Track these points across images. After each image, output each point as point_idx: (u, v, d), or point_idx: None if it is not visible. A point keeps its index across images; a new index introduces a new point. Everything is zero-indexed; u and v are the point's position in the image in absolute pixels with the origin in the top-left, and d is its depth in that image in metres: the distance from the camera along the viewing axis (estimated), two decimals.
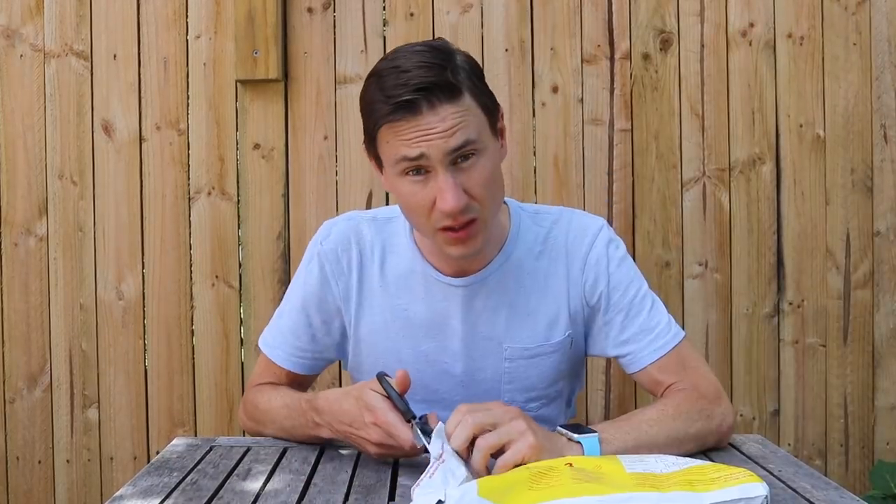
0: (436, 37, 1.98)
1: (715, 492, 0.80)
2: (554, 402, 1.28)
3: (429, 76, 1.03)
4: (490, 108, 1.11)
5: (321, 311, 1.26)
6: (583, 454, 0.96)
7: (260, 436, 1.25)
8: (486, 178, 1.09)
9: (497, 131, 1.14)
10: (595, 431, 0.99)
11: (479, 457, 0.91)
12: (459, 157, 1.06)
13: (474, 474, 0.91)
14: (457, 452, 0.93)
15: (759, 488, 0.80)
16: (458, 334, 1.22)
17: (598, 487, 0.81)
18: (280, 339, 1.28)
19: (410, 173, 1.08)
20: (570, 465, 0.89)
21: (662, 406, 1.10)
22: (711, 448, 1.12)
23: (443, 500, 0.84)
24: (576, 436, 0.98)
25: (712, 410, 1.11)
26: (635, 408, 2.01)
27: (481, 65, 1.96)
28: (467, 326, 1.22)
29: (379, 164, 1.14)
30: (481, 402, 0.99)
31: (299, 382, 1.31)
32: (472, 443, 0.93)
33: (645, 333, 1.20)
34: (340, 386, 2.00)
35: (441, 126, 1.04)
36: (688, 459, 0.91)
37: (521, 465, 0.91)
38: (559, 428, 1.01)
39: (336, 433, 1.10)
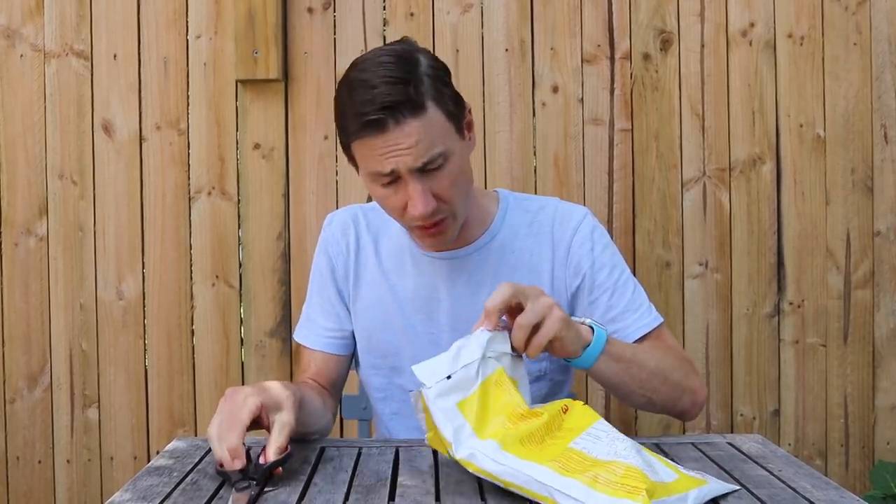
0: (435, 37, 1.99)
1: (601, 495, 0.82)
2: (538, 382, 1.30)
3: (393, 94, 1.09)
4: (454, 112, 1.17)
5: (335, 290, 1.35)
6: (591, 338, 1.06)
7: None
8: (454, 181, 1.16)
9: (463, 128, 1.20)
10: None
11: (519, 334, 0.99)
12: (427, 167, 1.13)
13: (513, 349, 1.00)
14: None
15: None
16: (445, 307, 1.29)
17: (532, 453, 0.89)
18: (310, 325, 1.36)
19: (381, 183, 1.16)
20: (566, 408, 0.97)
21: (655, 347, 1.22)
22: (683, 411, 1.20)
23: (450, 376, 0.93)
24: (589, 320, 1.08)
25: (690, 372, 1.22)
26: (636, 409, 2.01)
27: (481, 65, 1.99)
28: (453, 299, 1.29)
29: (354, 164, 1.21)
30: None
31: (335, 367, 1.35)
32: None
33: (630, 312, 1.27)
34: None
35: (407, 141, 1.10)
36: (641, 458, 0.88)
37: (554, 339, 1.00)
38: (574, 317, 1.09)
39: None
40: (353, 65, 1.16)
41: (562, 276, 1.29)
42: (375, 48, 1.19)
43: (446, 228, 1.20)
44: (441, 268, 1.30)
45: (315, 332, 1.35)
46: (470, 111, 1.22)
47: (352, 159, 1.20)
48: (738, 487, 0.94)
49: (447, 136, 1.14)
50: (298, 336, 1.37)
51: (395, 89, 1.09)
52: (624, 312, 1.27)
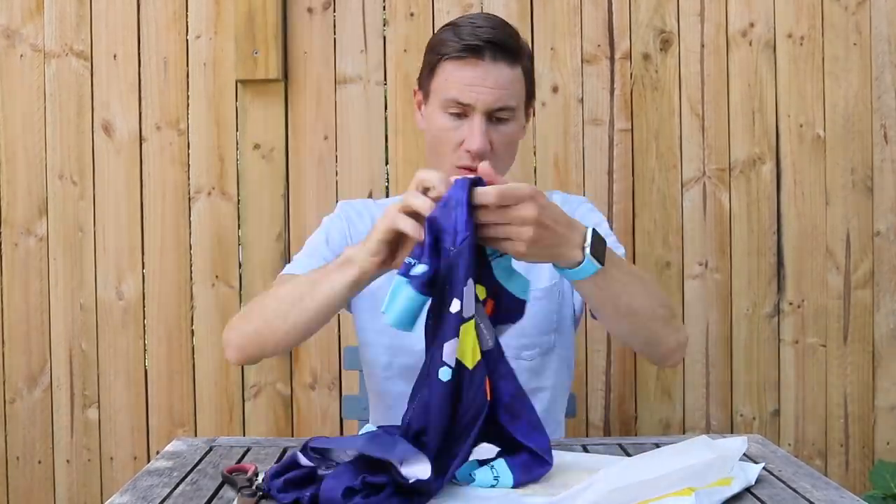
0: None
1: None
2: (548, 355, 1.33)
3: (499, 36, 1.22)
4: (531, 90, 1.30)
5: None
6: (585, 239, 0.97)
7: (246, 339, 1.18)
8: (508, 141, 1.26)
9: (529, 107, 1.32)
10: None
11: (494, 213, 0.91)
12: (496, 115, 1.23)
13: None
14: None
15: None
16: None
17: None
18: (298, 264, 1.30)
19: (452, 112, 1.23)
20: None
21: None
22: (669, 350, 1.18)
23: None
24: (591, 227, 0.99)
25: (674, 312, 1.20)
26: (635, 409, 2.01)
27: None
28: None
29: (424, 97, 1.30)
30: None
31: None
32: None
33: None
34: (340, 386, 2.00)
35: (493, 81, 1.21)
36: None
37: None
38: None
39: (367, 240, 1.00)
40: (458, 17, 1.30)
41: None
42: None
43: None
44: None
45: (304, 266, 1.25)
46: (533, 103, 1.34)
47: (425, 90, 1.29)
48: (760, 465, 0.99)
49: (520, 103, 1.26)
50: (286, 271, 1.29)
51: (502, 33, 1.23)
52: None
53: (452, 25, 1.26)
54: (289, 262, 1.97)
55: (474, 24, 1.23)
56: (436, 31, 1.31)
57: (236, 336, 1.21)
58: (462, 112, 1.23)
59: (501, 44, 1.21)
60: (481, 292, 0.95)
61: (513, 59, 1.23)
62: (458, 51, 1.21)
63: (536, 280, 1.32)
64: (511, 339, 1.29)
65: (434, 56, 1.26)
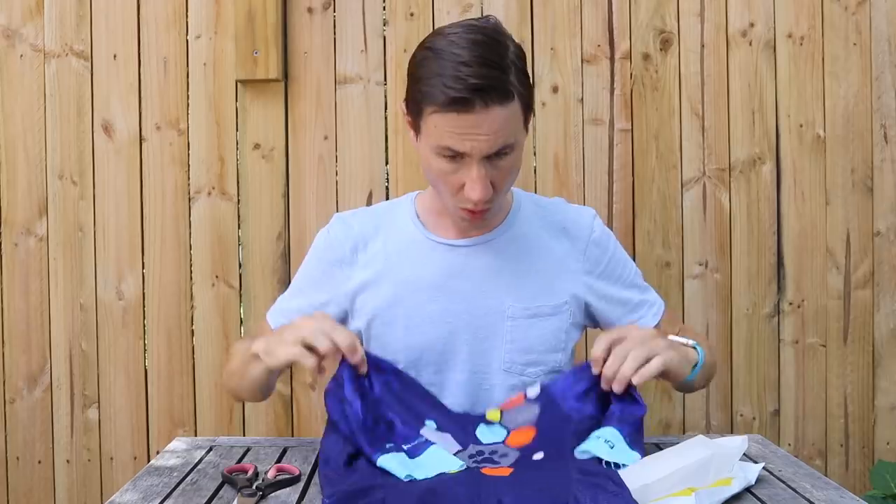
0: None
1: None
2: (551, 377, 1.31)
3: (487, 77, 1.09)
4: (529, 103, 1.18)
5: (329, 285, 1.35)
6: (698, 355, 1.19)
7: (232, 390, 1.35)
8: (510, 170, 1.19)
9: (529, 119, 1.22)
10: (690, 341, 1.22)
11: (632, 363, 1.08)
12: (495, 154, 1.15)
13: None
14: None
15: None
16: (462, 293, 1.29)
17: None
18: (284, 311, 1.38)
19: (447, 156, 1.16)
20: None
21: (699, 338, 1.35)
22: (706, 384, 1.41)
23: None
24: (691, 341, 1.20)
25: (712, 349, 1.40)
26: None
27: None
28: (470, 285, 1.30)
29: (414, 129, 1.21)
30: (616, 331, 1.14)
31: None
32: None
33: (645, 299, 1.39)
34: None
35: (487, 127, 1.11)
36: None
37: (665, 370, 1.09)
38: (671, 337, 1.18)
39: (266, 343, 1.10)
40: (440, 33, 1.15)
41: (577, 269, 1.33)
42: (461, 22, 1.17)
43: (489, 215, 1.25)
44: (459, 255, 1.31)
45: (286, 311, 1.37)
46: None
47: (415, 124, 1.19)
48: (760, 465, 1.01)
49: (519, 127, 1.17)
50: (274, 319, 1.38)
51: (489, 73, 1.09)
52: (642, 302, 1.38)
53: (434, 54, 1.12)
54: (288, 262, 2.00)
55: (458, 61, 1.09)
56: (420, 48, 1.17)
57: (225, 383, 1.42)
58: (458, 155, 1.15)
59: (490, 87, 1.09)
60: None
61: (504, 97, 1.11)
62: (444, 105, 1.10)
63: (552, 295, 1.31)
64: (518, 354, 1.29)
65: (418, 98, 1.15)
